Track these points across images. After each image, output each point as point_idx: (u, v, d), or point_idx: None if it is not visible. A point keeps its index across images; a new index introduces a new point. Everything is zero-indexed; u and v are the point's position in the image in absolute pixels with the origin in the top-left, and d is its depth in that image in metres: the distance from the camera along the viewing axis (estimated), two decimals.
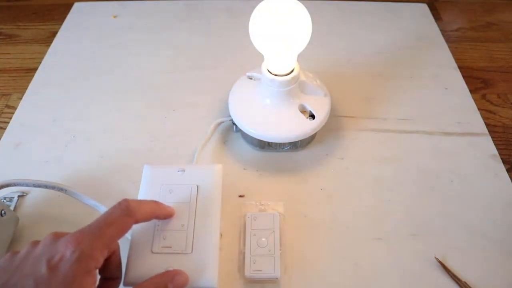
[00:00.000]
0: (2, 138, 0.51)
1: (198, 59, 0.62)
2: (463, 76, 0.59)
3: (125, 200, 0.32)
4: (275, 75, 0.45)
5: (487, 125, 0.53)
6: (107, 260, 0.32)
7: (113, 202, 0.32)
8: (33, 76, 0.59)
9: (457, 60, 0.62)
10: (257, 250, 0.40)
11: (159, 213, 0.35)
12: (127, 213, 0.31)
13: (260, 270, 0.39)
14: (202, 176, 0.39)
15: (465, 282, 0.39)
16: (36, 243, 0.29)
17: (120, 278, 0.33)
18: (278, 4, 0.41)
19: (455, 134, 0.52)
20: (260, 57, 0.46)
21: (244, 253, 0.40)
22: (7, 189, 0.43)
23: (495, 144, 0.51)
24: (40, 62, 0.61)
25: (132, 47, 0.64)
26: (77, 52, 0.63)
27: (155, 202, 0.35)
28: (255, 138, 0.48)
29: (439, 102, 0.56)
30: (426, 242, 0.42)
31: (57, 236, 0.29)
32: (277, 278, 0.39)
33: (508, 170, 0.48)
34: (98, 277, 0.32)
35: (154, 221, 0.36)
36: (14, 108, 0.55)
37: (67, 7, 0.71)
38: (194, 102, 0.55)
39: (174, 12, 0.70)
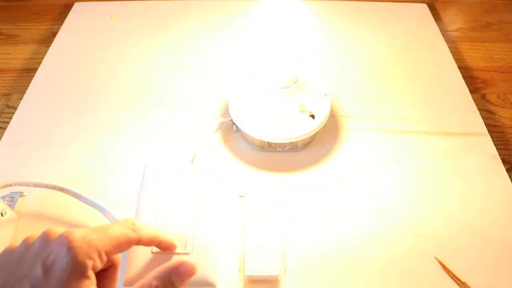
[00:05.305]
0: (2, 138, 0.51)
1: (198, 59, 0.62)
2: (463, 76, 0.59)
3: (131, 218, 0.31)
4: (275, 75, 0.45)
5: (487, 125, 0.53)
6: (102, 272, 0.30)
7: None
8: (33, 76, 0.59)
9: (457, 60, 0.62)
10: (257, 250, 0.40)
11: (162, 239, 0.33)
12: (132, 228, 0.30)
13: (260, 270, 0.38)
14: (202, 176, 0.39)
15: (465, 282, 0.39)
16: (31, 239, 0.28)
17: None
18: (278, 4, 0.41)
19: (454, 134, 0.52)
20: (260, 58, 0.46)
21: (244, 253, 0.40)
22: (7, 189, 0.43)
23: (495, 144, 0.51)
24: (40, 62, 0.61)
25: (132, 47, 0.64)
26: (77, 52, 0.63)
27: (159, 229, 0.34)
28: (255, 138, 0.48)
29: (439, 102, 0.56)
30: (426, 242, 0.42)
31: (52, 233, 0.27)
32: (277, 278, 0.39)
33: (508, 170, 0.48)
34: None
35: (154, 220, 0.36)
36: (15, 108, 0.55)
37: (67, 7, 0.71)
38: (194, 102, 0.55)
39: (174, 12, 0.70)
